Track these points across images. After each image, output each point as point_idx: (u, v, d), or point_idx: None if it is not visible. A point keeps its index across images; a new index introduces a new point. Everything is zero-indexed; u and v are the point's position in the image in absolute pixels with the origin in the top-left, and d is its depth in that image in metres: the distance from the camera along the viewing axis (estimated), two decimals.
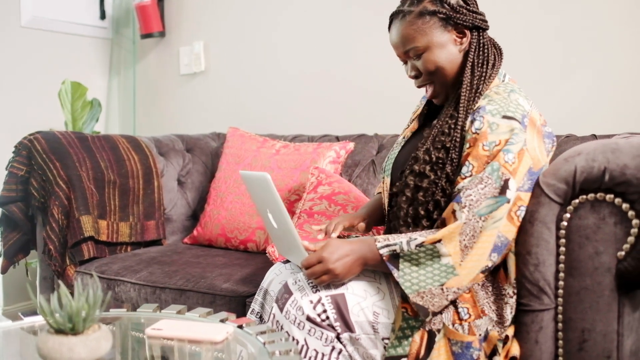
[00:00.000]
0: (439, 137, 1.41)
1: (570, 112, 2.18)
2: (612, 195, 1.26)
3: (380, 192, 1.74)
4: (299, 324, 1.35)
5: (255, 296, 1.60)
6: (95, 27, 3.35)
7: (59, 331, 1.07)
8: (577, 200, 1.29)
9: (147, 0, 3.16)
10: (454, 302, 1.34)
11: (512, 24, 2.27)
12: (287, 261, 1.63)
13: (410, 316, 1.35)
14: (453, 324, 1.32)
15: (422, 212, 1.39)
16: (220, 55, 3.11)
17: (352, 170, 2.32)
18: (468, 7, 1.45)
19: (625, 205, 1.25)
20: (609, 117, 2.12)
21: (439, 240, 1.29)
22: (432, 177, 1.39)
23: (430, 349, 1.31)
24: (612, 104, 2.12)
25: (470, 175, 1.32)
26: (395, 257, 1.32)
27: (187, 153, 2.67)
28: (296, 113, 2.85)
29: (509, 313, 1.32)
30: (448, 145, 1.39)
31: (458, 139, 1.38)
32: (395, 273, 1.32)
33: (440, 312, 1.34)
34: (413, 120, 1.69)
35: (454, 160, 1.38)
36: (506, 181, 1.29)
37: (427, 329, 1.33)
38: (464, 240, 1.28)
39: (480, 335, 1.32)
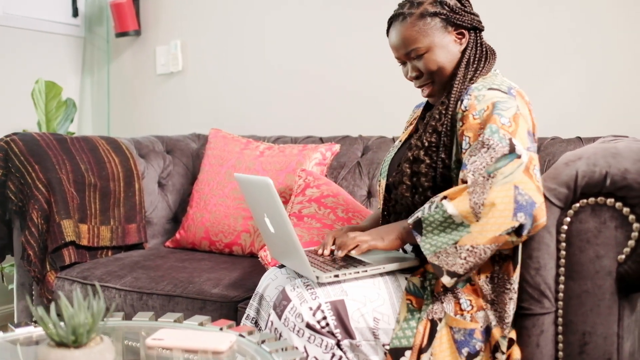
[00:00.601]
0: (430, 123, 1.46)
1: (555, 115, 2.21)
2: (612, 200, 1.27)
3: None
4: (298, 331, 1.33)
5: (250, 301, 1.57)
6: (67, 25, 3.27)
7: (61, 344, 1.03)
8: (577, 204, 1.30)
9: None
10: (455, 294, 1.33)
11: (497, 27, 2.28)
12: (282, 266, 1.60)
13: (415, 308, 1.34)
14: (455, 315, 1.32)
15: (431, 196, 1.40)
16: (198, 55, 3.06)
17: (337, 172, 2.30)
18: (465, 9, 1.50)
19: (625, 209, 1.26)
20: (594, 120, 2.15)
21: (445, 197, 1.30)
22: (428, 160, 1.43)
23: (433, 338, 1.31)
24: (596, 107, 2.15)
25: (469, 147, 1.34)
26: (418, 223, 1.32)
27: (168, 154, 2.62)
28: (276, 114, 2.82)
29: (511, 309, 1.30)
30: (440, 130, 1.43)
31: (449, 124, 1.42)
32: (418, 238, 1.32)
33: (442, 301, 1.33)
34: (408, 127, 1.70)
35: (447, 146, 1.41)
36: (510, 140, 1.29)
37: (429, 318, 1.32)
38: (474, 197, 1.25)
39: (481, 326, 1.31)
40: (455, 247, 1.26)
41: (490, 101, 1.35)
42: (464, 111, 1.39)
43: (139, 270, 2.02)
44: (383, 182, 1.61)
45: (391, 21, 1.53)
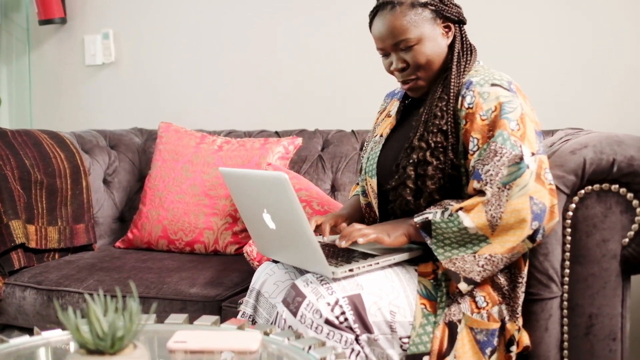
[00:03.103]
0: (432, 121, 1.41)
1: None
2: (617, 186, 1.33)
3: (355, 195, 1.71)
4: (316, 327, 1.28)
5: (246, 298, 1.51)
6: None
7: (94, 351, 0.93)
8: (583, 191, 1.35)
9: None
10: (469, 292, 1.34)
11: None
12: (275, 261, 1.54)
13: (430, 312, 1.33)
14: (472, 313, 1.33)
15: (437, 198, 1.38)
16: (132, 45, 2.90)
17: (299, 167, 2.26)
18: (452, 1, 1.47)
19: (630, 195, 1.33)
20: (550, 113, 2.23)
21: (461, 208, 1.30)
22: (435, 162, 1.39)
23: (453, 341, 1.31)
24: (553, 99, 2.23)
25: (477, 150, 1.34)
26: (427, 225, 1.33)
27: (112, 150, 2.47)
28: (222, 107, 2.72)
29: (521, 301, 1.34)
30: (445, 129, 1.39)
31: (452, 121, 1.39)
32: (428, 240, 1.33)
33: (459, 302, 1.33)
34: (384, 118, 1.66)
35: (454, 146, 1.39)
36: (520, 147, 1.30)
37: (446, 321, 1.31)
38: (490, 210, 1.27)
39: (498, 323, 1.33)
40: (474, 256, 1.29)
41: (496, 101, 1.34)
42: (468, 108, 1.37)
43: (99, 273, 1.89)
44: (373, 181, 1.55)
45: (376, 10, 1.46)
